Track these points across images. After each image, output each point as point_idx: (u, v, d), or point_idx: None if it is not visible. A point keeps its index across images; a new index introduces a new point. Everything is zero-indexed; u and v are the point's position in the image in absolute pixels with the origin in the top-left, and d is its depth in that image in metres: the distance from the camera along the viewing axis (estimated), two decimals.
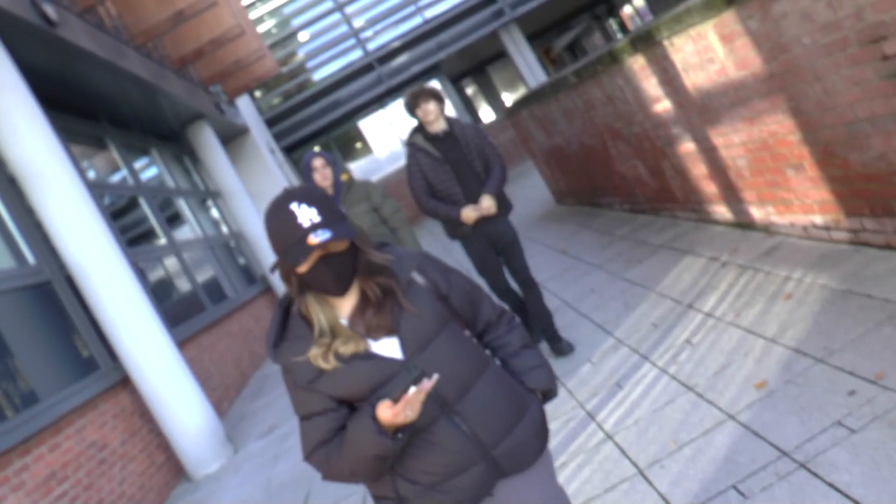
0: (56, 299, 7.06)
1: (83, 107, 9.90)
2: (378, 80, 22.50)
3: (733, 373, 3.50)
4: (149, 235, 10.58)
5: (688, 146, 5.53)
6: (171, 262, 10.58)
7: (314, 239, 1.65)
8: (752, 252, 4.90)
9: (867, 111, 3.43)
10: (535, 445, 1.88)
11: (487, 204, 4.59)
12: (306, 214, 1.68)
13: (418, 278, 1.86)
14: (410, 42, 22.61)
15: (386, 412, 1.64)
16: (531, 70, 22.96)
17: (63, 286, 7.14)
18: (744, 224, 5.38)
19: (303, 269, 1.71)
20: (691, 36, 4.55)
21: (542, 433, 1.92)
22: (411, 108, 4.73)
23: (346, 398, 1.79)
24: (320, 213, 1.69)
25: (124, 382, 7.14)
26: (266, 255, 14.50)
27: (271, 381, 9.60)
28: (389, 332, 1.78)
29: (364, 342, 1.77)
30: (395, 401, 1.62)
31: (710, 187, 5.58)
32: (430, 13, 23.08)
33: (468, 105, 28.65)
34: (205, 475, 7.01)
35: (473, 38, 22.43)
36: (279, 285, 14.39)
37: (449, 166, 4.67)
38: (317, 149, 24.43)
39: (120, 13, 10.55)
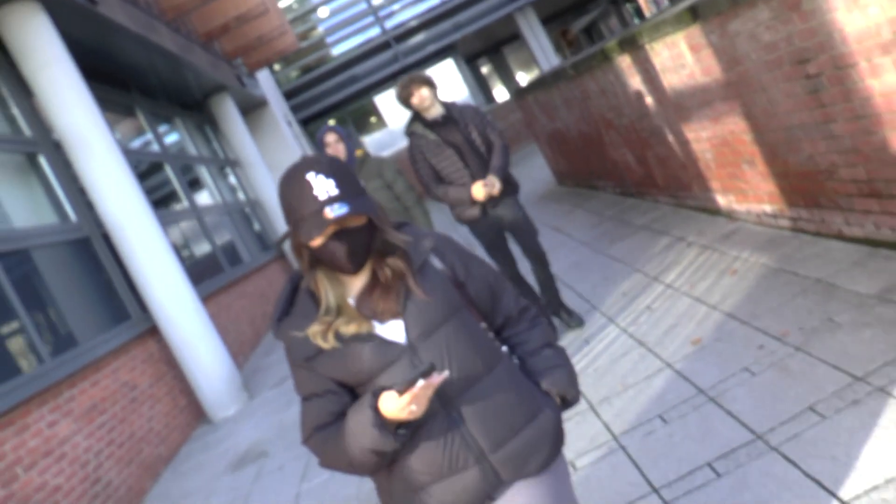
0: (93, 254, 7.79)
1: (116, 77, 10.59)
2: (394, 57, 23.09)
3: (678, 332, 4.20)
4: (172, 198, 11.30)
5: (666, 138, 6.19)
6: (192, 225, 11.30)
7: (330, 213, 1.57)
8: (714, 234, 5.59)
9: (798, 120, 4.09)
10: (541, 453, 1.73)
11: (493, 184, 4.55)
12: (323, 186, 1.60)
13: (435, 261, 1.77)
14: (427, 22, 23.17)
15: (389, 405, 1.54)
16: (545, 53, 23.51)
17: (100, 242, 7.87)
18: (711, 210, 6.05)
19: (316, 242, 1.63)
20: (667, 43, 5.20)
21: (554, 440, 1.77)
22: (405, 99, 4.69)
23: (344, 381, 1.71)
24: (338, 185, 1.61)
25: (152, 331, 7.88)
26: (280, 222, 15.22)
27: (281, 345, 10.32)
28: (396, 315, 1.68)
29: (368, 323, 1.68)
30: (401, 393, 1.51)
31: (684, 176, 6.25)
32: None
33: (482, 85, 29.20)
34: (223, 418, 7.76)
35: (489, 19, 22.97)
36: (292, 252, 15.13)
37: (451, 149, 4.64)
38: (332, 122, 25.12)
39: None
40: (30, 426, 5.36)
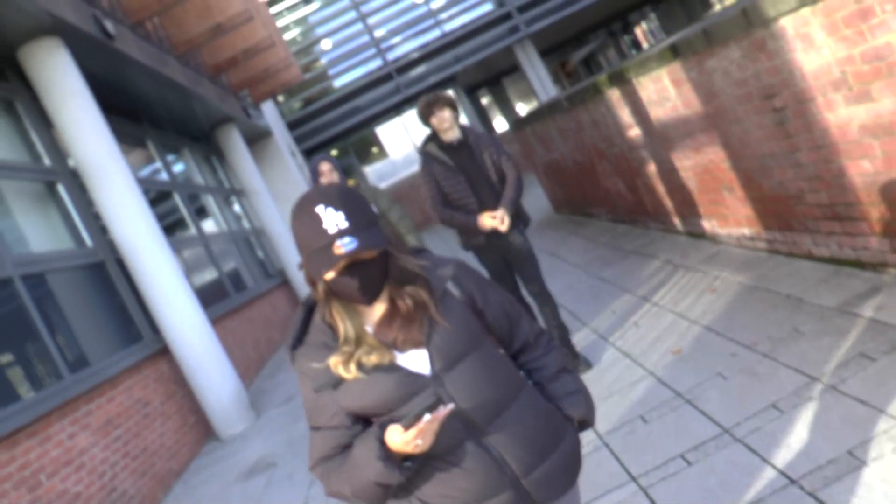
0: (108, 277, 8.14)
1: (128, 109, 11.00)
2: (396, 89, 23.60)
3: (661, 344, 4.54)
4: (180, 226, 11.67)
5: (654, 167, 6.56)
6: (199, 252, 11.66)
7: (340, 248, 1.54)
8: (698, 257, 5.94)
9: (768, 149, 4.46)
10: (567, 476, 1.76)
11: (502, 217, 4.45)
12: (333, 219, 1.56)
13: (453, 289, 1.74)
14: (429, 54, 23.72)
15: (395, 438, 1.54)
16: (543, 84, 24.02)
17: (114, 266, 8.21)
18: (696, 234, 6.41)
19: (328, 277, 1.61)
20: (652, 78, 5.59)
21: (576, 464, 1.80)
22: (426, 117, 4.63)
23: (364, 413, 1.68)
24: (348, 217, 1.57)
25: (163, 352, 8.21)
26: (284, 251, 15.60)
27: (288, 364, 10.64)
28: (418, 344, 1.65)
29: (390, 353, 1.65)
30: (407, 428, 1.51)
31: (671, 203, 6.62)
32: (449, 27, 24.21)
33: (482, 115, 29.72)
34: (231, 435, 8.06)
35: (489, 51, 23.53)
36: (295, 279, 15.49)
37: (463, 176, 4.57)
38: (334, 152, 25.58)
39: (164, 25, 11.67)
40: (52, 437, 5.67)
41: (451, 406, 1.52)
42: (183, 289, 8.13)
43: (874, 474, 2.51)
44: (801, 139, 4.06)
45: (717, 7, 17.12)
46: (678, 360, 4.19)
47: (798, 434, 2.93)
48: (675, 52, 4.96)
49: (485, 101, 32.00)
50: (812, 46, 3.55)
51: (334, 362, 1.64)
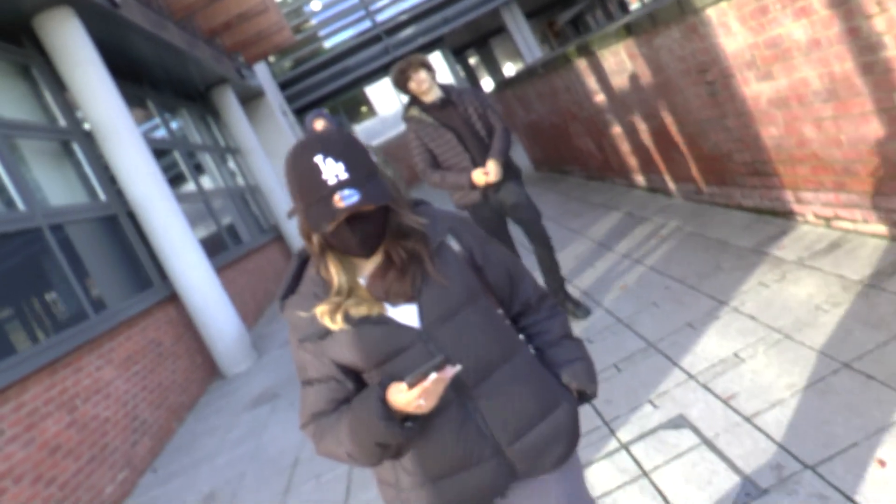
0: (120, 229, 8.85)
1: (132, 72, 11.62)
2: (385, 50, 24.09)
3: (611, 281, 5.34)
4: (181, 182, 12.36)
5: (617, 129, 7.30)
6: (199, 207, 12.36)
7: (341, 201, 1.46)
8: (653, 208, 6.74)
9: (705, 115, 5.21)
10: (558, 449, 1.68)
11: (493, 170, 4.42)
12: (333, 170, 1.47)
13: (452, 243, 1.68)
14: (417, 16, 24.18)
15: (398, 397, 1.47)
16: (528, 46, 24.56)
17: (126, 219, 8.93)
18: (655, 189, 7.19)
19: (326, 231, 1.53)
20: (612, 51, 6.30)
21: (570, 436, 1.71)
22: (402, 84, 4.52)
23: (351, 366, 1.63)
24: (348, 168, 1.48)
25: (172, 297, 8.96)
26: (277, 206, 16.32)
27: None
28: (410, 298, 1.59)
29: (380, 305, 1.60)
30: (411, 386, 1.45)
31: (632, 161, 7.38)
32: None
33: (470, 75, 30.25)
34: (235, 373, 8.85)
35: (476, 14, 23.99)
36: (289, 233, 16.22)
37: (451, 133, 4.48)
38: (326, 111, 26.13)
39: None
40: (83, 368, 6.44)
41: (458, 367, 1.48)
42: (190, 239, 8.86)
43: (749, 368, 3.32)
44: (728, 108, 4.81)
45: None
46: (624, 294, 4.98)
47: (702, 343, 3.74)
48: (628, 30, 5.67)
49: (472, 61, 32.48)
50: (730, 33, 4.28)
51: (321, 311, 1.59)
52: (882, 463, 2.38)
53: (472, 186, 4.51)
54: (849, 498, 2.31)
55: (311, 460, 4.82)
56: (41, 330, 6.45)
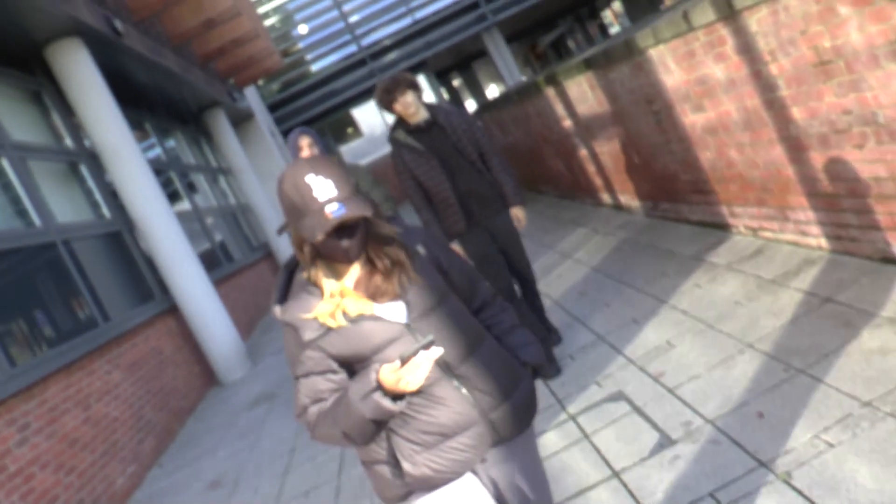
0: (124, 244, 9.46)
1: (132, 96, 12.25)
2: (370, 73, 24.82)
3: (574, 288, 6.02)
4: (175, 200, 12.96)
5: (584, 152, 8.01)
6: (194, 225, 12.96)
7: (331, 214, 1.71)
8: (614, 224, 7.45)
9: (654, 140, 5.92)
10: (527, 415, 2.00)
11: (521, 217, 4.50)
12: (323, 187, 1.73)
13: (422, 251, 1.95)
14: (401, 40, 24.97)
15: (390, 375, 1.71)
16: (509, 69, 25.37)
17: (128, 235, 9.53)
18: (617, 206, 7.90)
19: (319, 239, 1.74)
20: (576, 82, 7.02)
21: (532, 405, 2.03)
22: (387, 105, 4.29)
23: (347, 359, 1.87)
24: (336, 186, 1.74)
25: (172, 309, 9.55)
26: (268, 225, 16.94)
27: (277, 325, 12.04)
28: (395, 297, 1.86)
29: (369, 304, 1.85)
30: (404, 363, 1.68)
31: (598, 181, 8.09)
32: (420, 14, 25.46)
33: (454, 97, 31.02)
34: (232, 381, 9.44)
35: (458, 38, 24.79)
36: (278, 252, 16.82)
37: (436, 159, 4.29)
38: (308, 128, 26.73)
39: (161, 20, 12.92)
40: (95, 371, 7.04)
41: (441, 349, 1.74)
42: (189, 254, 9.47)
43: (677, 352, 4.01)
44: (672, 134, 5.52)
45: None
46: (581, 297, 5.67)
47: (643, 335, 4.44)
48: (588, 64, 6.39)
49: (456, 83, 33.29)
50: (669, 70, 5.00)
51: (322, 312, 1.83)
52: (760, 415, 3.06)
53: (457, 216, 4.38)
54: (735, 441, 2.98)
55: (308, 446, 5.43)
56: (58, 335, 7.05)
